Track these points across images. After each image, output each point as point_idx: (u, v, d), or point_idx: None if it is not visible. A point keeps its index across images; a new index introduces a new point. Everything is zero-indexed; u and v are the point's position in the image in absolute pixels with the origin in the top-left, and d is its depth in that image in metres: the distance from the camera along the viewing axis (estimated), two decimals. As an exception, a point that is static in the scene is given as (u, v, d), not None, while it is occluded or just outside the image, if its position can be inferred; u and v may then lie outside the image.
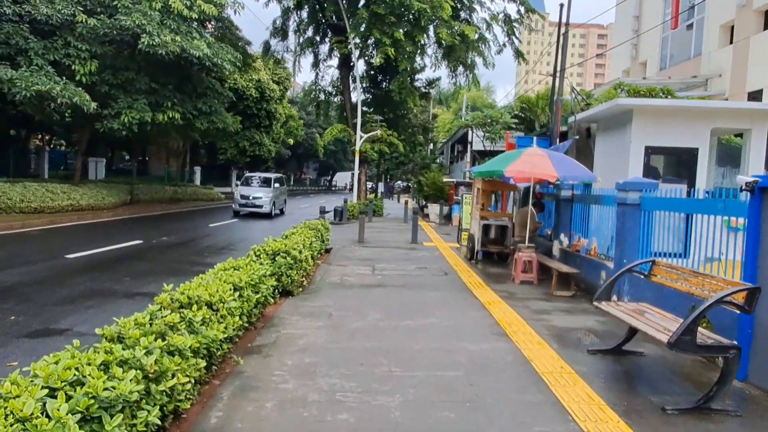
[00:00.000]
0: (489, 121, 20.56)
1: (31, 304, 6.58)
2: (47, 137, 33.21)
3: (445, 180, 26.20)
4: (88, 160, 30.77)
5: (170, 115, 18.61)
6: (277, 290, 7.14)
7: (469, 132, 24.28)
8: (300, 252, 7.95)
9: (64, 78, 14.71)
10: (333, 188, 76.72)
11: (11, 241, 11.68)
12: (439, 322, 6.19)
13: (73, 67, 16.34)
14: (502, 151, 21.60)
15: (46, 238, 12.46)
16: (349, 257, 11.39)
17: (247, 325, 5.31)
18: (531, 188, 9.39)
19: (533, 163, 8.18)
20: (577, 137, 11.82)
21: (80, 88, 14.73)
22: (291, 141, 53.82)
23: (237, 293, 4.96)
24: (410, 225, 15.67)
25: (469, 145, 25.37)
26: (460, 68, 26.52)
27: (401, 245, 13.95)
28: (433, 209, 23.94)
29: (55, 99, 13.62)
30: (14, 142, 24.63)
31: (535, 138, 12.24)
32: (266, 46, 27.98)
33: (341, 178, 63.65)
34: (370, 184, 38.56)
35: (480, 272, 10.09)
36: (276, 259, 7.26)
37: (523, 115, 20.80)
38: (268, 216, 21.84)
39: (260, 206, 21.63)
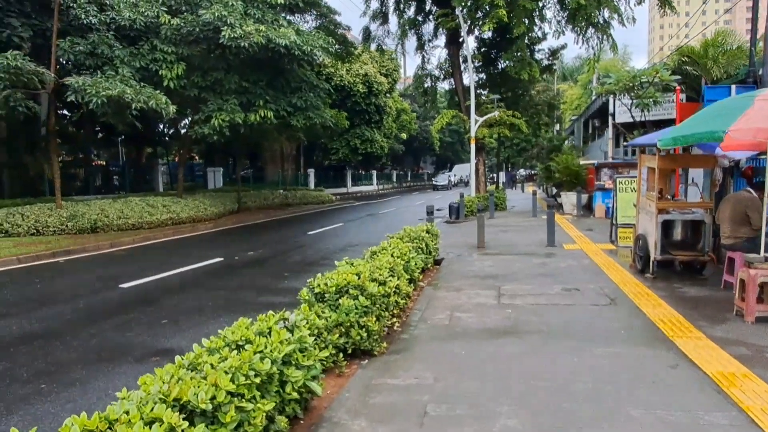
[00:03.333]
0: (638, 83, 16.08)
1: (-2, 379, 4.61)
2: (181, 151, 34.01)
3: (582, 163, 21.88)
4: (207, 170, 31.21)
5: (262, 114, 16.98)
6: (344, 352, 4.49)
7: (611, 101, 19.76)
8: (385, 283, 5.21)
9: (141, 83, 13.54)
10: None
11: (82, 267, 10.43)
12: (645, 445, 3.03)
13: (160, 72, 15.31)
14: (661, 122, 17.04)
15: (119, 262, 11.09)
16: (465, 274, 8.42)
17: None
18: (756, 161, 5.65)
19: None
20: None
21: (157, 91, 13.47)
22: (404, 135, 51.66)
23: (199, 427, 2.30)
24: (540, 220, 12.30)
25: (610, 118, 20.76)
26: (590, 30, 22.01)
27: (534, 250, 10.64)
28: (568, 199, 19.87)
29: (129, 104, 12.41)
30: (131, 159, 25.12)
31: (733, 86, 8.22)
32: (366, 32, 25.77)
33: (459, 171, 59.51)
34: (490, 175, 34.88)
35: (668, 296, 6.55)
36: (340, 301, 4.59)
37: (684, 71, 16.04)
38: None
39: None
